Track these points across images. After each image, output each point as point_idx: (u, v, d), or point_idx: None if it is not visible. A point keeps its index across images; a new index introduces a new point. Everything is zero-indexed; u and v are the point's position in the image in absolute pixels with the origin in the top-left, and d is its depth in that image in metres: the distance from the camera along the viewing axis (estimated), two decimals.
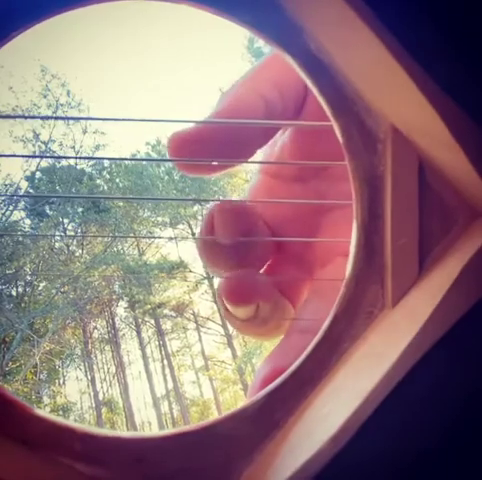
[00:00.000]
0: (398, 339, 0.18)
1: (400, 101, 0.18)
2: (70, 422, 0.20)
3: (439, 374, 0.18)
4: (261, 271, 0.29)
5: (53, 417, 0.20)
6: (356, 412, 0.17)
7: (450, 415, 0.18)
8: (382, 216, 0.20)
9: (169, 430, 0.20)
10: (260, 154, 0.29)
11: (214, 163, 0.26)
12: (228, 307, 0.27)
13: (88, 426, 0.20)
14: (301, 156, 0.28)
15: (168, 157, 0.25)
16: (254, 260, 0.28)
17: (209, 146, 0.25)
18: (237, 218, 0.27)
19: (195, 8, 0.19)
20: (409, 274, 0.20)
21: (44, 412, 0.20)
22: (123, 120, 0.25)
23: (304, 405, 0.20)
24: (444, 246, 0.20)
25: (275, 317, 0.27)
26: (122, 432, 0.20)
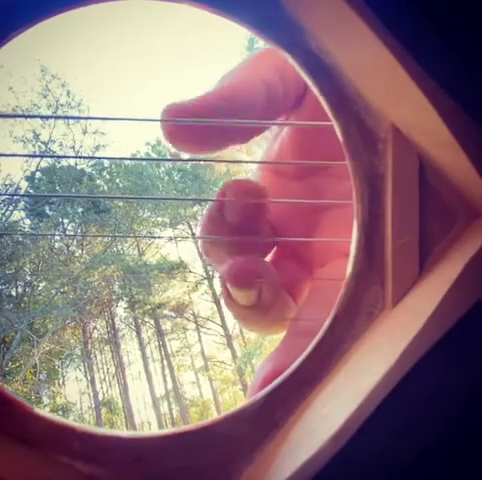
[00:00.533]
0: (398, 339, 0.18)
1: (400, 100, 0.18)
2: (69, 421, 0.20)
3: (439, 374, 0.18)
4: None
5: (52, 416, 0.20)
6: (356, 412, 0.17)
7: (450, 415, 0.18)
8: (382, 216, 0.20)
9: (168, 430, 0.20)
10: (260, 152, 0.28)
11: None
12: (231, 291, 0.26)
13: (87, 425, 0.20)
14: (300, 153, 0.28)
15: (161, 127, 0.23)
16: (255, 250, 0.28)
17: (206, 118, 0.23)
18: (249, 197, 0.26)
19: (196, 8, 0.19)
20: (409, 274, 0.20)
21: (43, 411, 0.20)
22: (123, 120, 0.25)
23: (304, 405, 0.20)
24: (444, 246, 0.20)
25: (276, 307, 0.27)
26: (121, 431, 0.20)
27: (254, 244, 0.27)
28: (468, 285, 0.18)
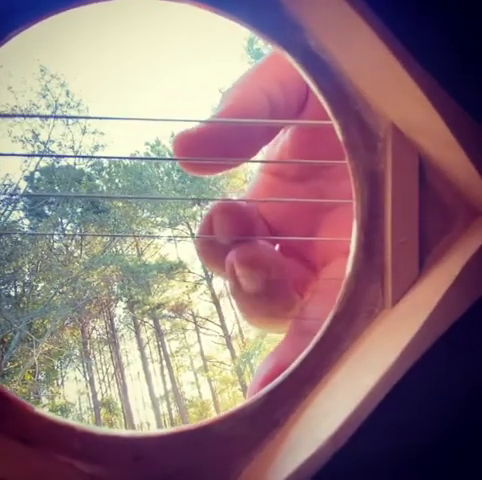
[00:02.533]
0: (398, 338, 0.18)
1: (400, 99, 0.18)
2: (69, 420, 0.20)
3: (439, 373, 0.18)
4: None
5: (52, 415, 0.20)
6: (356, 411, 0.17)
7: (450, 414, 0.18)
8: (382, 215, 0.20)
9: (168, 429, 0.20)
10: (261, 153, 0.28)
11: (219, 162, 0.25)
12: (240, 276, 0.26)
13: (87, 424, 0.20)
14: (302, 155, 0.28)
15: (174, 156, 0.25)
16: None
17: (215, 145, 0.25)
18: (236, 219, 0.27)
19: (196, 7, 0.19)
20: (409, 273, 0.20)
21: (43, 410, 0.20)
22: (122, 119, 0.25)
23: (304, 404, 0.20)
24: (444, 245, 0.20)
25: (282, 296, 0.27)
26: (121, 430, 0.20)
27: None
28: (468, 284, 0.18)
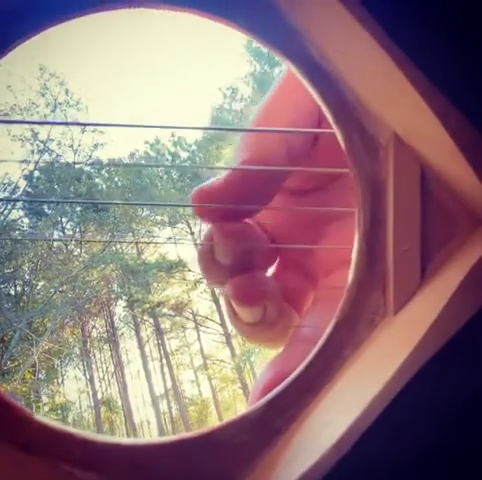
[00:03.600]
0: (400, 346, 0.18)
1: (402, 108, 0.18)
2: (69, 428, 0.20)
3: (441, 381, 0.18)
4: None
5: (53, 422, 0.20)
6: (359, 419, 0.17)
7: (452, 422, 0.18)
8: (384, 223, 0.20)
9: (169, 437, 0.20)
10: None
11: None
12: (236, 309, 0.27)
13: (88, 432, 0.20)
14: (313, 174, 0.28)
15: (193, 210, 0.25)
16: (256, 268, 0.28)
17: (235, 198, 0.25)
18: (237, 238, 0.26)
19: (196, 16, 0.19)
20: (411, 281, 0.20)
21: (44, 417, 0.20)
22: (121, 126, 0.25)
23: (305, 412, 0.20)
24: (446, 253, 0.20)
25: (281, 322, 0.27)
26: (122, 439, 0.20)
27: (255, 263, 0.28)
28: (470, 292, 0.18)
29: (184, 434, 0.20)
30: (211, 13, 0.19)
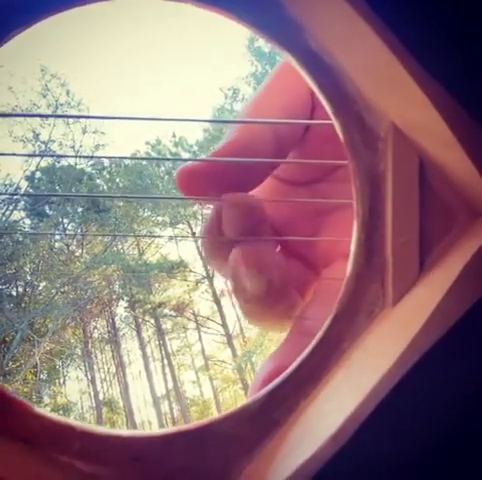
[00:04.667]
0: (399, 338, 0.18)
1: (401, 99, 0.18)
2: (69, 420, 0.20)
3: (440, 373, 0.18)
4: None
5: (52, 415, 0.20)
6: (356, 411, 0.17)
7: (451, 414, 0.18)
8: (382, 215, 0.20)
9: (168, 429, 0.20)
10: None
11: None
12: (243, 274, 0.26)
13: (87, 424, 0.20)
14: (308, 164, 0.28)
15: (179, 193, 0.26)
16: None
17: (219, 180, 0.25)
18: (245, 213, 0.26)
19: (196, 7, 0.19)
20: (410, 273, 0.20)
21: (43, 410, 0.20)
22: (122, 119, 0.25)
23: (304, 404, 0.20)
24: (445, 245, 0.20)
25: (284, 299, 0.27)
26: (121, 430, 0.20)
27: (261, 236, 0.28)
28: (468, 284, 0.18)
29: (183, 426, 0.20)
30: (212, 5, 0.19)
